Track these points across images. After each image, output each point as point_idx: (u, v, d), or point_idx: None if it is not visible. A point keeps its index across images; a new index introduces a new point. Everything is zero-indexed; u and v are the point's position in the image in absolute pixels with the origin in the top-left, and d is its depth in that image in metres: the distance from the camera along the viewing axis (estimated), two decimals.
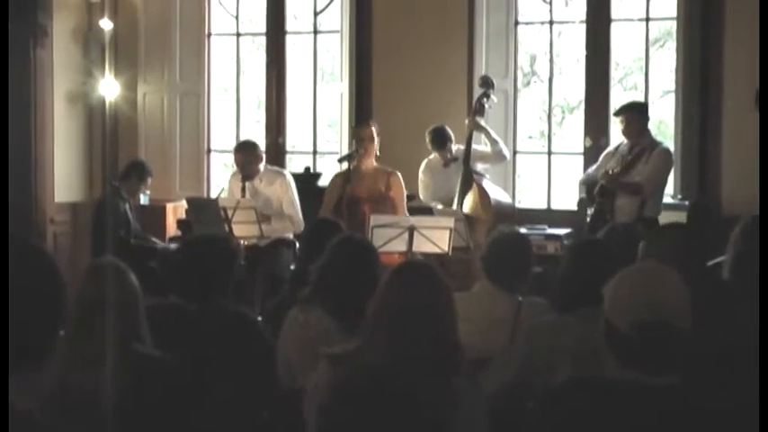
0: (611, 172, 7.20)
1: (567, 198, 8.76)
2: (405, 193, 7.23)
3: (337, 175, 7.32)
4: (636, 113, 7.39)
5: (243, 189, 7.64)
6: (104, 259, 3.63)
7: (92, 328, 3.22)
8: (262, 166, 7.77)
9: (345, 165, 7.32)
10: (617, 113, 7.50)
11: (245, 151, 7.76)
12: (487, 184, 7.82)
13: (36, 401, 1.82)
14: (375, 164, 7.18)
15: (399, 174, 7.16)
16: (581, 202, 7.51)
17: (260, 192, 7.67)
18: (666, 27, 10.25)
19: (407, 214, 7.06)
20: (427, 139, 7.92)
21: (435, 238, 6.46)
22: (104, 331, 3.17)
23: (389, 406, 1.82)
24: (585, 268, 3.78)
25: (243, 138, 9.11)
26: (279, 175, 7.83)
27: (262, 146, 8.68)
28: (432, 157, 8.01)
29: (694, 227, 7.27)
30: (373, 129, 7.14)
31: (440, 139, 7.89)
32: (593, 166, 7.69)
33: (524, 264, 4.51)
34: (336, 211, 6.94)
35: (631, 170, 7.23)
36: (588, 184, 7.51)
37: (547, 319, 3.97)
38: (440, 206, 7.72)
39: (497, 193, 7.86)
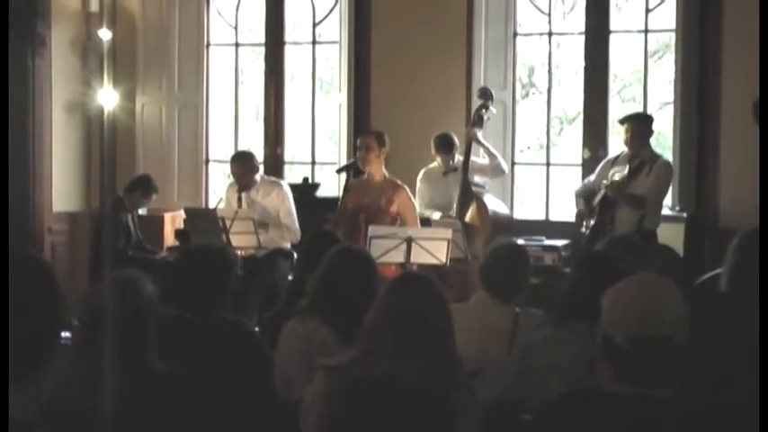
0: (618, 179, 7.16)
1: (566, 209, 8.76)
2: (413, 206, 7.19)
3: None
4: (641, 124, 7.34)
5: (239, 199, 7.64)
6: (127, 272, 3.58)
7: (104, 342, 3.19)
8: (258, 176, 7.77)
9: (344, 175, 7.32)
10: (622, 122, 7.42)
11: (240, 162, 7.76)
12: (486, 197, 7.81)
13: (35, 411, 1.82)
14: (386, 175, 7.16)
15: (407, 188, 7.15)
16: (579, 215, 7.47)
17: (257, 202, 7.66)
18: (665, 39, 10.27)
19: (420, 227, 7.02)
20: (432, 144, 7.90)
21: (433, 250, 6.45)
22: (118, 345, 3.14)
23: (385, 417, 1.81)
24: (592, 282, 3.74)
25: (241, 148, 9.11)
26: (276, 185, 7.83)
27: (260, 156, 8.68)
28: (431, 166, 8.00)
29: (689, 244, 7.29)
30: (374, 139, 7.12)
31: (446, 145, 7.87)
32: (590, 177, 7.67)
33: (522, 275, 4.50)
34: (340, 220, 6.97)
35: (632, 182, 7.18)
36: (585, 195, 7.48)
37: (542, 335, 3.93)
38: (436, 215, 7.70)
39: (495, 205, 7.85)
